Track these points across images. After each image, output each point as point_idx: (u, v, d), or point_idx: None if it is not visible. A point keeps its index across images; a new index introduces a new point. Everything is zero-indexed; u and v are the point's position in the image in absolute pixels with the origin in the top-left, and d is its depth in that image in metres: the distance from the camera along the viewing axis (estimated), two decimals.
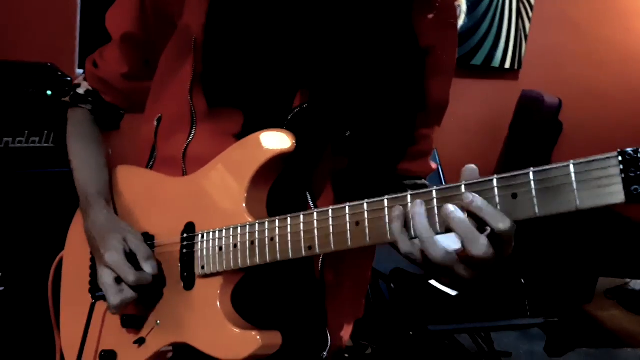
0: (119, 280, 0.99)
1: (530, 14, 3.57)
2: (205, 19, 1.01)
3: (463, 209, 0.73)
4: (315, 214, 0.85)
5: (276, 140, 0.93)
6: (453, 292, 2.61)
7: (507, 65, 3.60)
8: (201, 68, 1.01)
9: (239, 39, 1.00)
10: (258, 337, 0.92)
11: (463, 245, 0.74)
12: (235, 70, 1.00)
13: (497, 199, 0.72)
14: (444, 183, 3.15)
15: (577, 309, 3.66)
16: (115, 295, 0.99)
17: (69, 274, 1.20)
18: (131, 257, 1.00)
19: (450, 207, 0.73)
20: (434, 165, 1.16)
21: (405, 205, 0.78)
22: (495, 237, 0.73)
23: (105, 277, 1.00)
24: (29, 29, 2.50)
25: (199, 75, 1.01)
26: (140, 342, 1.03)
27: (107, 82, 1.19)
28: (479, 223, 0.73)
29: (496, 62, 3.57)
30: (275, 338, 0.94)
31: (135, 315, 1.04)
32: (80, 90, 1.21)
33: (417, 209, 0.76)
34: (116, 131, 1.29)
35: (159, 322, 1.02)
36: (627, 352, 3.31)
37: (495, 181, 0.72)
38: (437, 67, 1.07)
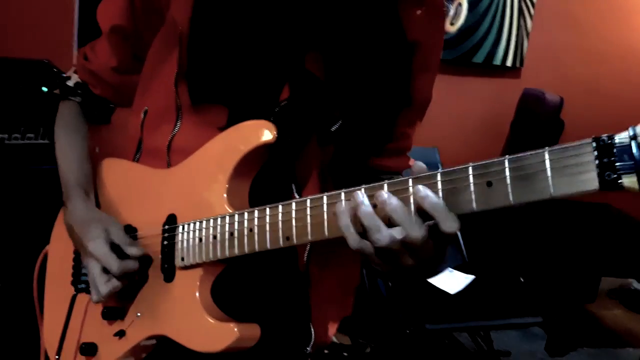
0: (106, 270, 0.99)
1: (532, 11, 3.55)
2: (191, 12, 1.00)
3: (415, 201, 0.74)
4: (294, 204, 0.85)
5: (259, 132, 0.93)
6: (451, 290, 2.60)
7: (509, 63, 3.58)
8: (186, 63, 1.01)
9: (224, 34, 0.99)
10: (235, 329, 0.91)
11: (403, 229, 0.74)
12: (219, 66, 1.00)
13: (472, 187, 0.70)
14: None
15: (579, 308, 3.63)
16: (104, 284, 0.99)
17: (52, 267, 1.20)
18: (114, 248, 1.00)
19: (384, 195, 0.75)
20: (411, 162, 1.16)
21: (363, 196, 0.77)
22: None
23: (92, 268, 1.00)
24: (27, 26, 2.50)
25: (184, 70, 1.01)
26: (121, 334, 1.02)
27: (96, 75, 1.19)
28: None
29: (497, 60, 3.55)
30: (253, 330, 0.94)
31: (116, 307, 1.04)
32: (70, 83, 1.21)
33: (360, 199, 0.76)
34: (106, 125, 1.29)
35: (139, 314, 1.02)
36: (629, 352, 3.28)
37: (470, 169, 0.71)
38: (423, 63, 1.07)
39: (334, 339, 1.14)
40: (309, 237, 0.83)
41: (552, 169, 0.65)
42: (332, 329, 1.14)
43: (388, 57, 1.02)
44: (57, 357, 1.09)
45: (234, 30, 0.99)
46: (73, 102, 1.21)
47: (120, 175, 1.13)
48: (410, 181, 0.75)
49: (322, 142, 1.01)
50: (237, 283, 1.01)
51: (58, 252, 1.18)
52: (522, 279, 2.65)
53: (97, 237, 1.00)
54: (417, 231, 0.74)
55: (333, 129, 1.00)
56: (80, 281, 1.11)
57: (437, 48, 1.11)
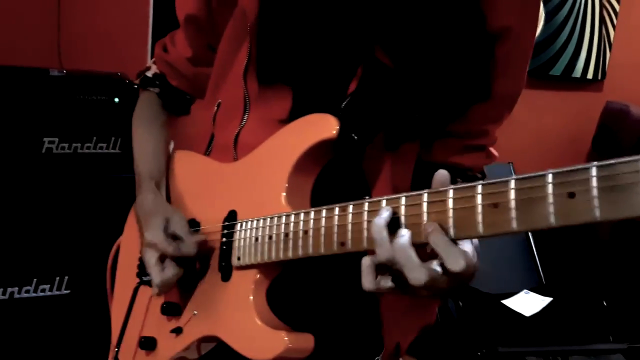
0: (162, 259, 0.98)
1: (615, 20, 3.38)
2: (259, 2, 0.98)
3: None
4: (351, 206, 0.79)
5: (320, 127, 0.88)
6: (527, 313, 2.47)
7: (590, 75, 3.41)
8: (255, 50, 0.99)
9: (293, 17, 0.96)
10: (286, 337, 0.86)
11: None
12: (288, 48, 0.97)
13: (551, 199, 0.61)
14: None
15: None
16: (158, 274, 0.97)
17: (123, 259, 1.21)
18: (173, 238, 0.99)
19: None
20: (489, 160, 1.07)
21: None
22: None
23: (148, 256, 0.99)
24: (102, 40, 2.59)
25: (254, 57, 1.00)
26: (178, 331, 1.00)
27: (173, 66, 1.20)
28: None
29: (577, 73, 3.39)
30: (306, 341, 0.88)
31: (175, 303, 1.02)
32: (149, 74, 1.22)
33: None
34: (183, 118, 1.30)
35: (195, 312, 0.99)
36: None
37: (550, 177, 0.61)
38: (513, 50, 0.97)
39: None
40: (365, 244, 0.76)
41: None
42: (408, 337, 1.06)
43: (465, 45, 0.93)
44: (116, 349, 1.08)
45: (303, 14, 0.96)
46: (152, 92, 1.22)
47: (190, 169, 1.12)
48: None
49: (391, 145, 0.96)
50: (297, 289, 0.97)
51: (129, 243, 1.18)
52: (604, 303, 2.47)
53: (156, 227, 0.99)
54: (457, 263, 0.69)
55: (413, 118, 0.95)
56: (145, 273, 1.10)
57: (530, 33, 1.00)
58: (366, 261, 0.75)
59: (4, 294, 2.04)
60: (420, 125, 0.96)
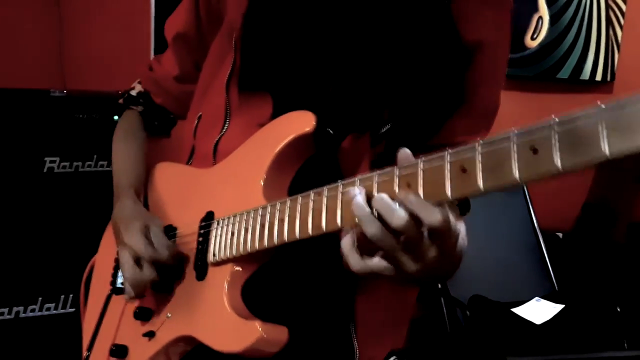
0: (139, 261, 0.99)
1: (622, 21, 3.33)
2: (245, 10, 1.01)
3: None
4: (326, 190, 0.79)
5: (298, 122, 0.89)
6: (537, 320, 2.42)
7: (599, 77, 3.36)
8: (239, 60, 1.02)
9: (275, 30, 0.99)
10: (259, 328, 0.85)
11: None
12: (269, 55, 0.99)
13: (515, 156, 0.62)
14: (529, 201, 2.89)
15: None
16: (132, 274, 0.98)
17: (97, 272, 1.22)
18: (151, 243, 1.00)
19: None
20: None
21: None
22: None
23: (125, 257, 1.00)
24: (105, 60, 2.62)
25: (237, 68, 1.02)
26: (150, 335, 1.00)
27: (159, 83, 1.22)
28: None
29: (585, 75, 3.34)
30: (279, 333, 0.88)
31: (148, 308, 1.03)
32: (133, 92, 1.25)
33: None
34: (166, 139, 1.31)
35: (169, 314, 1.00)
36: None
37: (514, 137, 0.63)
38: (487, 64, 0.99)
39: None
40: (339, 222, 0.77)
41: (607, 128, 0.57)
42: (379, 353, 1.05)
43: (439, 56, 0.96)
44: (87, 353, 1.10)
45: (284, 25, 0.99)
46: (134, 111, 1.25)
47: (169, 178, 1.14)
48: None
49: (373, 143, 0.97)
50: (273, 288, 0.97)
51: (103, 258, 1.20)
52: (618, 309, 2.42)
53: (135, 230, 1.00)
54: (432, 215, 0.69)
55: (383, 130, 0.96)
56: (117, 282, 1.12)
57: (503, 48, 1.03)
58: (346, 242, 0.76)
59: (9, 313, 2.06)
60: (398, 135, 0.96)
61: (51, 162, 2.10)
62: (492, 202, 2.79)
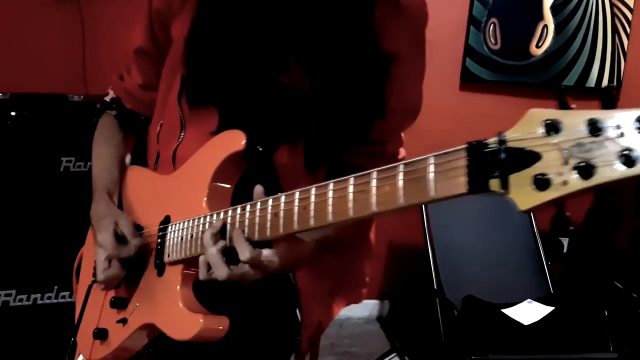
0: (109, 258, 1.13)
1: (628, 29, 3.35)
2: (188, 29, 1.12)
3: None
4: (258, 204, 0.92)
5: (230, 141, 1.02)
6: (525, 321, 2.49)
7: (605, 84, 3.39)
8: (185, 74, 1.13)
9: (216, 45, 1.10)
10: (201, 319, 1.00)
11: None
12: (212, 71, 1.11)
13: (375, 190, 0.75)
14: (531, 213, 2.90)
15: None
16: (102, 272, 1.12)
17: (84, 263, 1.37)
18: (120, 239, 1.13)
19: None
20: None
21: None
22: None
23: (99, 256, 1.14)
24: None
25: (185, 81, 1.14)
26: (124, 321, 1.15)
27: (128, 91, 1.34)
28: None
29: (591, 82, 3.38)
30: (220, 322, 1.01)
31: (122, 298, 1.17)
32: (107, 98, 1.37)
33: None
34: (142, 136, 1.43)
35: (137, 304, 1.14)
36: None
37: (375, 173, 0.76)
38: (403, 72, 1.10)
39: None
40: (268, 234, 0.91)
41: (435, 172, 0.68)
42: (326, 315, 1.20)
43: (361, 68, 1.06)
44: (73, 339, 1.25)
45: (225, 42, 1.10)
46: (110, 114, 1.37)
47: (137, 181, 1.27)
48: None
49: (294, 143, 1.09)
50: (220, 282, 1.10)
51: (89, 251, 1.34)
52: (606, 313, 2.47)
53: (105, 229, 1.14)
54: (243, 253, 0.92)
55: (309, 138, 1.08)
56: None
57: (418, 58, 1.13)
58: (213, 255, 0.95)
59: (28, 299, 2.23)
60: (323, 141, 1.08)
61: (67, 161, 2.24)
62: (492, 204, 2.86)
